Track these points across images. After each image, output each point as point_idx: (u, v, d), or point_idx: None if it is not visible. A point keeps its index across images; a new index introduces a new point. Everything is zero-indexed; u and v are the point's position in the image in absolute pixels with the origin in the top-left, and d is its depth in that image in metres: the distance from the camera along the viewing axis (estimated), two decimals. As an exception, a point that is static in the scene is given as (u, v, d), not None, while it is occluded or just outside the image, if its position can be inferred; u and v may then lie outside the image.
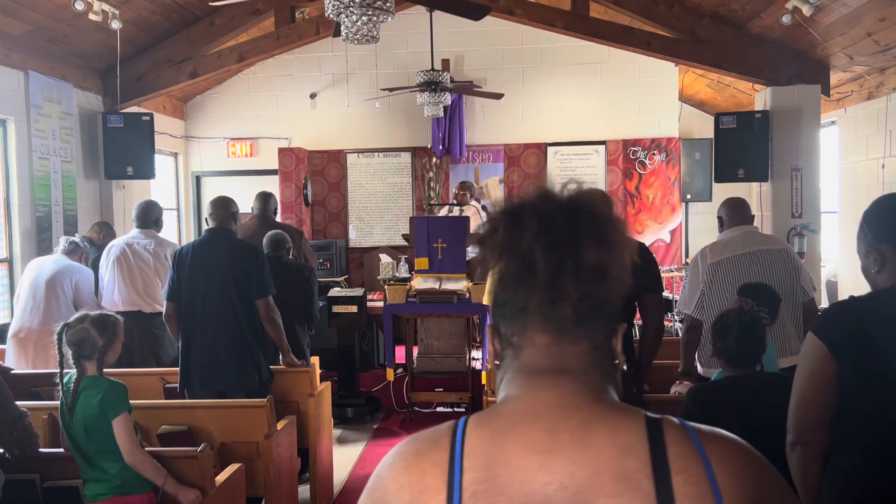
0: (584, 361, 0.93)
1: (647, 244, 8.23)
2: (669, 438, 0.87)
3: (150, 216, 5.02)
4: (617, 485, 0.84)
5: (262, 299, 3.89)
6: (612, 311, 0.94)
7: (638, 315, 3.50)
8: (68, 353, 2.67)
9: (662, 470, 0.84)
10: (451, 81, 6.95)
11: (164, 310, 4.01)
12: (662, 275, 7.21)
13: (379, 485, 0.93)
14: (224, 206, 4.05)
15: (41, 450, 2.82)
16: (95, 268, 5.03)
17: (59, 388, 2.71)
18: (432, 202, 8.49)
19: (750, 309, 2.59)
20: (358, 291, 6.17)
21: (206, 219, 4.12)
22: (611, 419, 0.88)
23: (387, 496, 0.91)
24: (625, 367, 0.98)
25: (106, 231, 5.71)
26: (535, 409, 0.90)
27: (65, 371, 2.72)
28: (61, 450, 2.85)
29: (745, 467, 0.88)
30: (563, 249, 0.90)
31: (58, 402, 2.76)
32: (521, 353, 0.94)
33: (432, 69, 6.82)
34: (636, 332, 5.64)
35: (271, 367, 4.01)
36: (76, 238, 5.15)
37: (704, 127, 8.42)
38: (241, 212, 4.23)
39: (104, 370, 2.73)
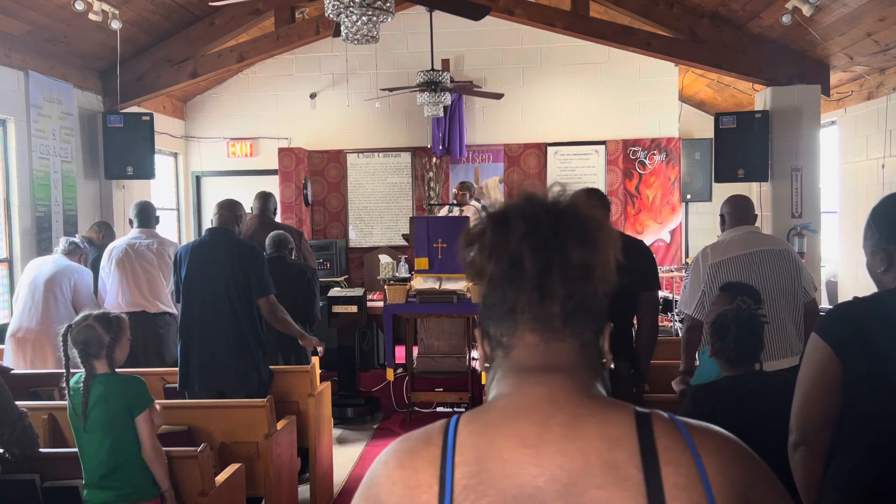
0: (573, 359, 0.95)
1: (647, 244, 8.24)
2: (658, 430, 0.88)
3: (149, 215, 5.03)
4: (606, 476, 0.85)
5: (263, 299, 3.89)
6: (597, 309, 0.96)
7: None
8: (75, 353, 2.66)
9: (651, 460, 0.86)
10: (451, 81, 6.95)
11: (170, 307, 4.01)
12: (662, 275, 7.24)
13: (373, 482, 0.94)
14: (229, 209, 4.05)
15: (41, 450, 2.82)
16: (95, 268, 5.03)
17: (66, 390, 2.68)
18: (432, 202, 8.49)
19: (748, 308, 2.58)
20: (358, 291, 6.17)
21: (211, 220, 4.13)
22: (600, 413, 0.90)
23: (380, 493, 0.92)
24: (612, 367, 1.00)
25: (105, 231, 5.71)
26: (526, 404, 0.91)
27: (72, 372, 2.71)
28: (61, 450, 2.84)
29: (734, 459, 0.89)
30: (550, 249, 0.92)
31: (57, 402, 2.75)
32: (512, 353, 0.96)
33: (432, 69, 6.82)
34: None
35: (272, 366, 4.01)
36: (76, 238, 5.15)
37: (704, 127, 8.43)
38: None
39: (116, 370, 2.73)
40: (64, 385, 2.71)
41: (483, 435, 0.90)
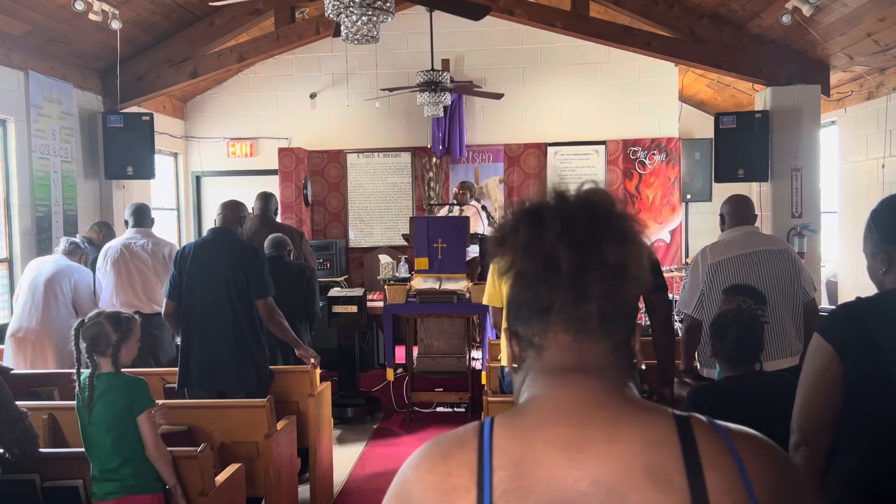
0: (606, 360, 0.93)
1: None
2: (699, 435, 0.87)
3: (144, 215, 5.04)
4: (648, 480, 0.84)
5: (262, 300, 3.88)
6: (631, 309, 0.95)
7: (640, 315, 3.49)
8: (83, 349, 2.68)
9: (695, 465, 0.85)
10: (451, 81, 6.94)
11: (163, 308, 4.01)
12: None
13: (403, 487, 0.91)
14: (232, 209, 4.06)
15: (41, 450, 2.82)
16: (94, 268, 5.03)
17: (76, 385, 2.71)
18: (432, 202, 8.49)
19: (748, 308, 2.58)
20: (358, 291, 6.17)
21: (214, 220, 4.13)
22: (638, 416, 0.89)
23: (412, 498, 0.89)
24: (643, 367, 0.99)
25: (105, 231, 5.71)
26: (562, 407, 0.90)
27: (81, 368, 2.73)
28: (61, 450, 2.85)
29: (775, 463, 0.89)
30: (587, 248, 0.90)
31: (58, 402, 2.76)
32: (544, 354, 0.94)
33: (432, 69, 6.82)
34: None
35: (271, 366, 4.01)
36: (76, 238, 5.15)
37: (704, 127, 8.43)
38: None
39: (122, 369, 2.74)
40: (74, 378, 2.73)
41: (520, 439, 0.88)
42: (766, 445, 0.91)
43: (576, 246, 0.90)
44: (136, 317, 2.85)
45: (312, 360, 4.13)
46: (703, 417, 0.91)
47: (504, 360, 3.92)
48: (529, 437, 0.88)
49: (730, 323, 2.52)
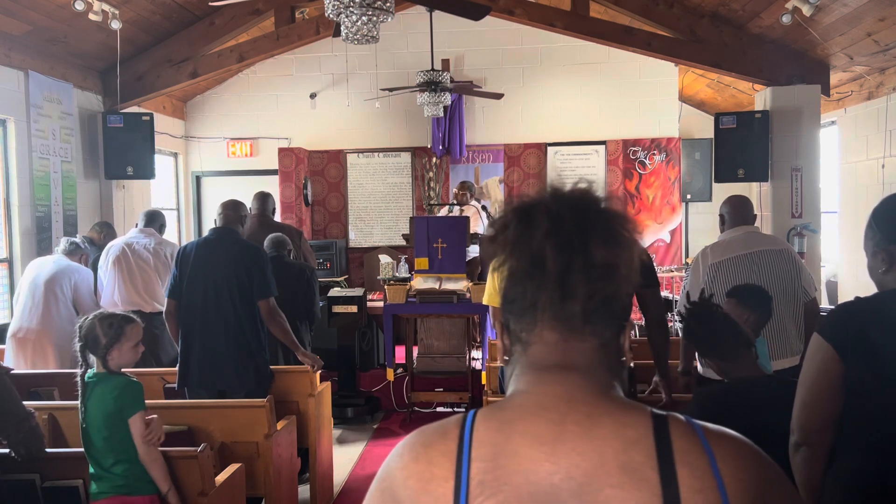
0: (592, 358, 0.94)
1: (646, 244, 8.24)
2: (675, 433, 0.89)
3: (154, 220, 5.08)
4: (622, 476, 0.85)
5: (264, 300, 3.88)
6: (619, 308, 0.96)
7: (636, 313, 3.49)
8: (79, 347, 2.69)
9: (668, 462, 0.86)
10: (451, 81, 6.94)
11: (164, 307, 4.01)
12: (662, 275, 7.24)
13: (387, 475, 0.94)
14: (233, 209, 4.06)
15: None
16: (96, 268, 5.03)
17: (78, 383, 2.71)
18: (432, 202, 8.49)
19: (703, 302, 2.59)
20: (358, 291, 6.17)
21: (214, 219, 4.13)
22: (616, 413, 0.90)
23: (395, 485, 0.92)
24: (632, 365, 0.99)
25: (106, 231, 5.72)
26: (542, 402, 0.91)
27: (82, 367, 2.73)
28: (61, 450, 2.85)
29: (750, 464, 0.90)
30: (573, 248, 0.91)
31: (58, 402, 2.76)
32: (530, 349, 0.96)
33: (432, 69, 6.82)
34: (637, 332, 5.66)
35: (272, 367, 4.01)
36: (76, 238, 5.16)
37: (704, 127, 8.42)
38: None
39: (122, 370, 2.73)
40: (77, 378, 2.72)
41: (499, 431, 0.90)
42: (744, 446, 0.91)
43: (562, 246, 0.91)
44: (136, 319, 2.81)
45: (314, 367, 4.11)
46: (681, 417, 0.92)
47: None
48: (508, 429, 0.90)
49: (692, 329, 2.52)
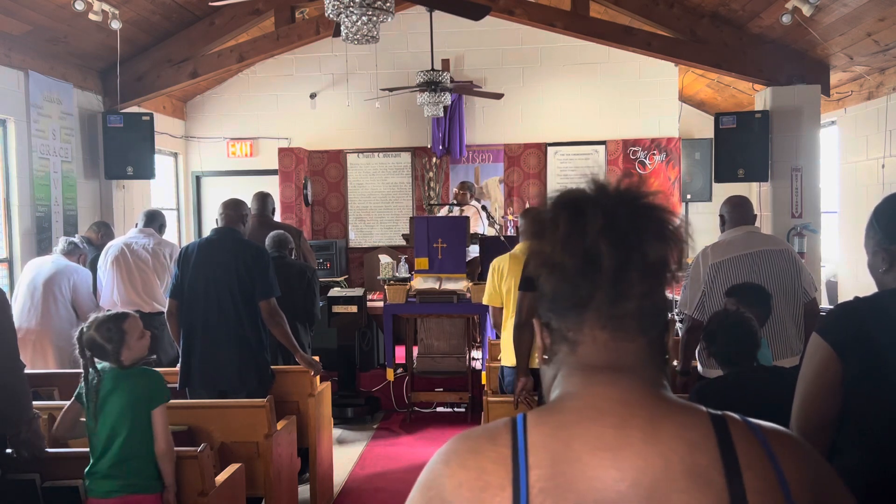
0: (641, 357, 0.92)
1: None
2: (736, 434, 0.87)
3: (154, 220, 5.07)
4: (688, 480, 0.83)
5: (266, 301, 3.88)
6: (666, 305, 0.94)
7: None
8: (87, 356, 2.68)
9: (733, 465, 0.84)
10: (451, 81, 6.95)
11: (165, 307, 4.01)
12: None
13: (434, 482, 0.89)
14: (234, 208, 4.05)
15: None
16: (93, 268, 5.03)
17: (82, 378, 2.68)
18: (432, 202, 8.49)
19: (735, 311, 2.66)
20: (358, 291, 6.17)
21: (216, 219, 4.12)
22: (676, 415, 0.88)
23: (444, 493, 0.87)
24: (675, 363, 0.99)
25: (104, 231, 5.71)
26: (599, 405, 0.88)
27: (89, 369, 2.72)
28: (61, 450, 2.84)
29: (809, 462, 0.89)
30: (629, 245, 0.88)
31: (57, 402, 2.76)
32: (578, 349, 0.92)
33: (432, 69, 6.83)
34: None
35: (272, 367, 4.01)
36: (75, 239, 5.16)
37: (704, 127, 8.42)
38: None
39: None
40: (82, 378, 2.70)
41: (556, 437, 0.87)
42: (799, 443, 0.91)
43: (618, 242, 0.88)
44: (129, 313, 2.80)
45: (311, 372, 4.10)
46: (736, 416, 0.90)
47: (504, 360, 3.92)
48: (566, 435, 0.87)
49: (715, 329, 2.61)
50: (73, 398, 2.79)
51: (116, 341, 2.67)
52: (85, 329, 2.70)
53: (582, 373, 0.92)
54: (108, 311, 2.93)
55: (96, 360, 2.70)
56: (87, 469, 2.69)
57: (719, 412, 0.90)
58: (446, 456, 0.91)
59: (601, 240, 0.88)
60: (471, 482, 0.86)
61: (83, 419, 2.74)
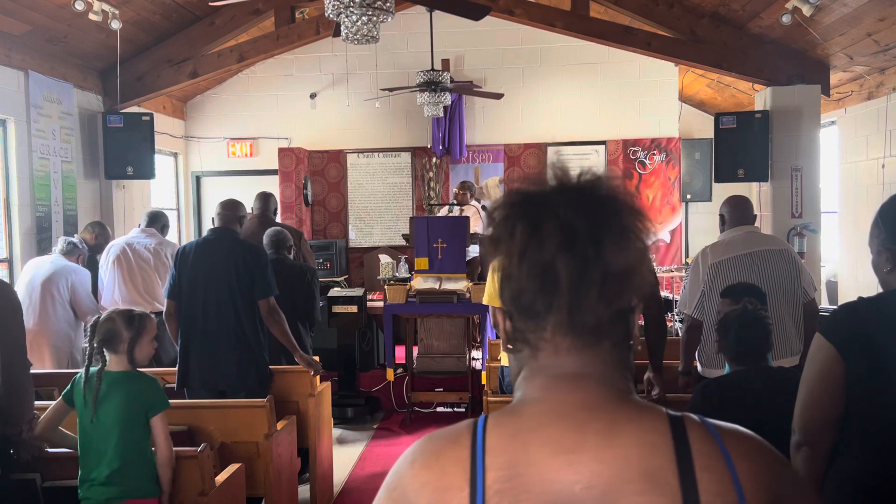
0: (605, 360, 0.91)
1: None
2: (692, 436, 0.87)
3: (157, 220, 5.08)
4: (644, 483, 0.84)
5: (265, 300, 3.88)
6: (631, 307, 0.92)
7: None
8: (96, 344, 2.67)
9: (687, 467, 0.85)
10: (451, 81, 6.94)
11: (164, 308, 4.01)
12: (662, 275, 7.24)
13: (398, 483, 0.92)
14: (230, 209, 4.05)
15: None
16: (91, 268, 5.03)
17: (82, 382, 2.67)
18: (432, 202, 8.49)
19: (754, 309, 2.64)
20: (358, 291, 6.17)
21: (212, 219, 4.12)
22: (636, 419, 0.88)
23: (408, 494, 0.90)
24: (639, 348, 0.98)
25: (100, 231, 5.69)
26: (559, 410, 0.89)
27: (91, 365, 2.71)
28: (61, 450, 2.84)
29: (765, 463, 0.89)
30: (588, 261, 0.86)
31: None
32: (539, 354, 0.92)
33: (432, 69, 6.82)
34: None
35: (271, 367, 4.01)
36: (74, 239, 5.15)
37: (704, 127, 8.42)
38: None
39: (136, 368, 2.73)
40: (81, 375, 2.69)
41: (515, 439, 0.87)
42: (758, 445, 0.90)
43: (577, 258, 0.86)
44: (152, 316, 2.83)
45: (311, 372, 4.09)
46: (695, 417, 0.90)
47: (504, 360, 3.90)
48: (524, 438, 0.87)
49: (731, 322, 2.59)
50: (59, 398, 2.77)
51: (136, 333, 2.68)
52: (104, 317, 2.69)
53: (544, 378, 0.91)
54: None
55: (96, 359, 2.69)
56: (80, 476, 2.66)
57: (679, 413, 0.90)
58: (412, 457, 0.92)
59: (559, 258, 0.86)
60: (433, 482, 0.88)
61: (64, 427, 2.73)
